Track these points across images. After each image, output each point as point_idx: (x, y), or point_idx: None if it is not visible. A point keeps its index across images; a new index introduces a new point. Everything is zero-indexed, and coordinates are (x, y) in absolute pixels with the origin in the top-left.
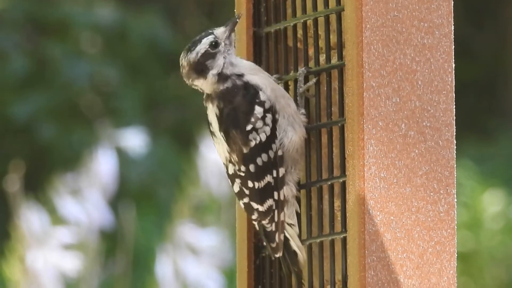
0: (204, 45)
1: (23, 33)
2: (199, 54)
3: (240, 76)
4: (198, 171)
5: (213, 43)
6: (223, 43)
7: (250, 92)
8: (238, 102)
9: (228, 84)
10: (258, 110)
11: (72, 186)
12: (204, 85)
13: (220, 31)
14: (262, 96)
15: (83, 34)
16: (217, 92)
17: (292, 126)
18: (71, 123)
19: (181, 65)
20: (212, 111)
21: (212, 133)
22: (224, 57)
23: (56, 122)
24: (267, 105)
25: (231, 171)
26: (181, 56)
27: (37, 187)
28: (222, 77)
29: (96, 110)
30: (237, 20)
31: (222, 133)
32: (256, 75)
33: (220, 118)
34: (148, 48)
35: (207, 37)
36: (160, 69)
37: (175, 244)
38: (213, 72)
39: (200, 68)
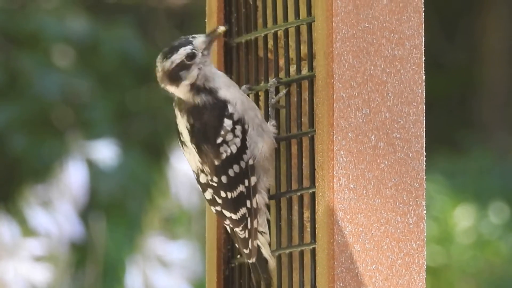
0: (180, 55)
1: None
2: (174, 64)
3: (212, 91)
4: (168, 183)
5: (190, 55)
6: (200, 54)
7: (218, 105)
8: (207, 118)
9: (199, 100)
10: (227, 123)
11: (43, 198)
12: (176, 92)
13: (199, 41)
14: (230, 109)
15: (54, 46)
16: (188, 106)
17: (261, 137)
18: (42, 135)
19: (156, 68)
20: (182, 123)
21: (182, 143)
22: (199, 69)
23: (27, 133)
24: (235, 117)
25: (203, 180)
26: (157, 58)
27: (7, 198)
28: (194, 88)
29: (67, 121)
30: (219, 31)
31: (193, 145)
32: (228, 89)
33: (191, 132)
34: (119, 60)
35: (185, 47)
36: (131, 81)
37: (145, 256)
38: (185, 82)
39: (174, 76)
